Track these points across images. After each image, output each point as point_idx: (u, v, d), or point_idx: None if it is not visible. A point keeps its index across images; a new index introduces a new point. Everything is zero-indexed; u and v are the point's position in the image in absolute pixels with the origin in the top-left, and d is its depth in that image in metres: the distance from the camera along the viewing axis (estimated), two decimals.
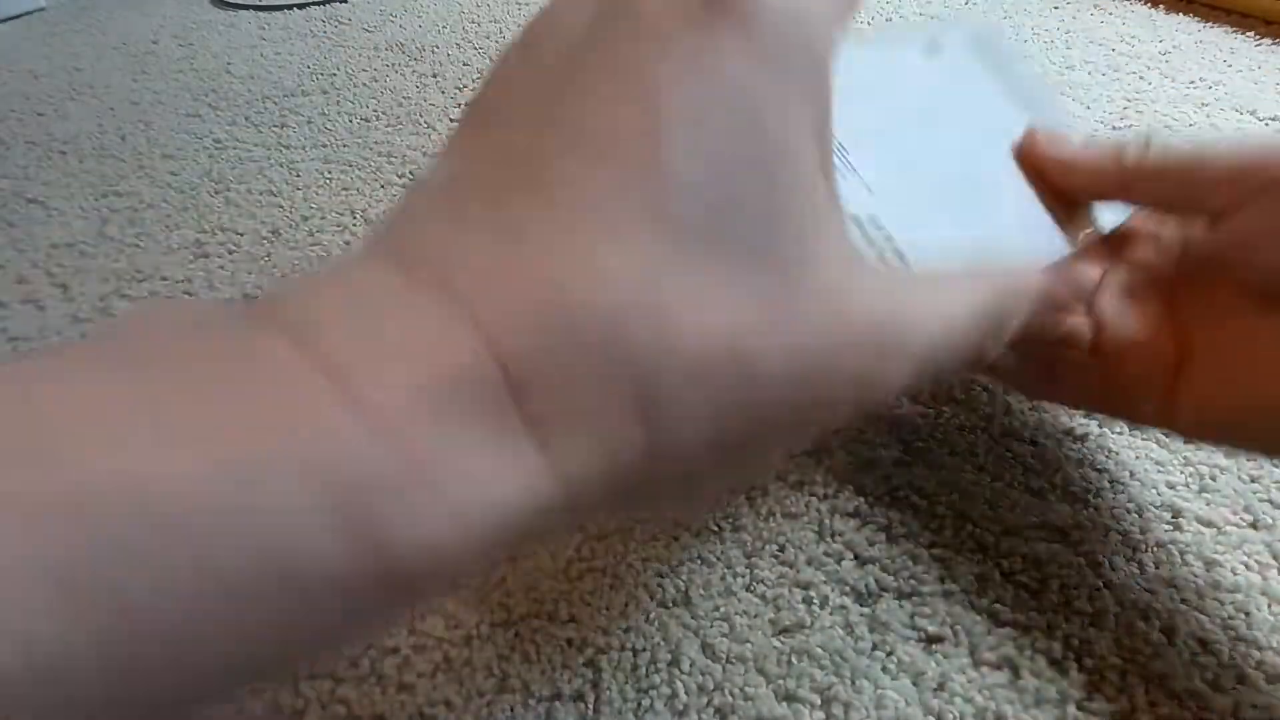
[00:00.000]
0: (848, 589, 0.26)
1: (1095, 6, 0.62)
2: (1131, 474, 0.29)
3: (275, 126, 0.59)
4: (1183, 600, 0.25)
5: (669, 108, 0.12)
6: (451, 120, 0.56)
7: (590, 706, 0.24)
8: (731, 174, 0.13)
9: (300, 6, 0.79)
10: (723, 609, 0.26)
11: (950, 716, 0.23)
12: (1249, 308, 0.23)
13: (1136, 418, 0.26)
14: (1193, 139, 0.24)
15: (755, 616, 0.26)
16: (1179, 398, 0.23)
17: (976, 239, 0.23)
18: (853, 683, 0.24)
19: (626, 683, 0.25)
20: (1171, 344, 0.24)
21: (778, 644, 0.25)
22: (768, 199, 0.13)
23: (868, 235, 0.22)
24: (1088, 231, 0.25)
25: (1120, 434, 0.30)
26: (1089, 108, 0.49)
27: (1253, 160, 0.22)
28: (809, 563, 0.27)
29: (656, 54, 0.12)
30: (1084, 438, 0.30)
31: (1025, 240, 0.24)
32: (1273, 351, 0.22)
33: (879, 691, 0.24)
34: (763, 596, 0.26)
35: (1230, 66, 0.52)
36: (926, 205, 0.24)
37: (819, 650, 0.25)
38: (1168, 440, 0.30)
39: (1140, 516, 0.27)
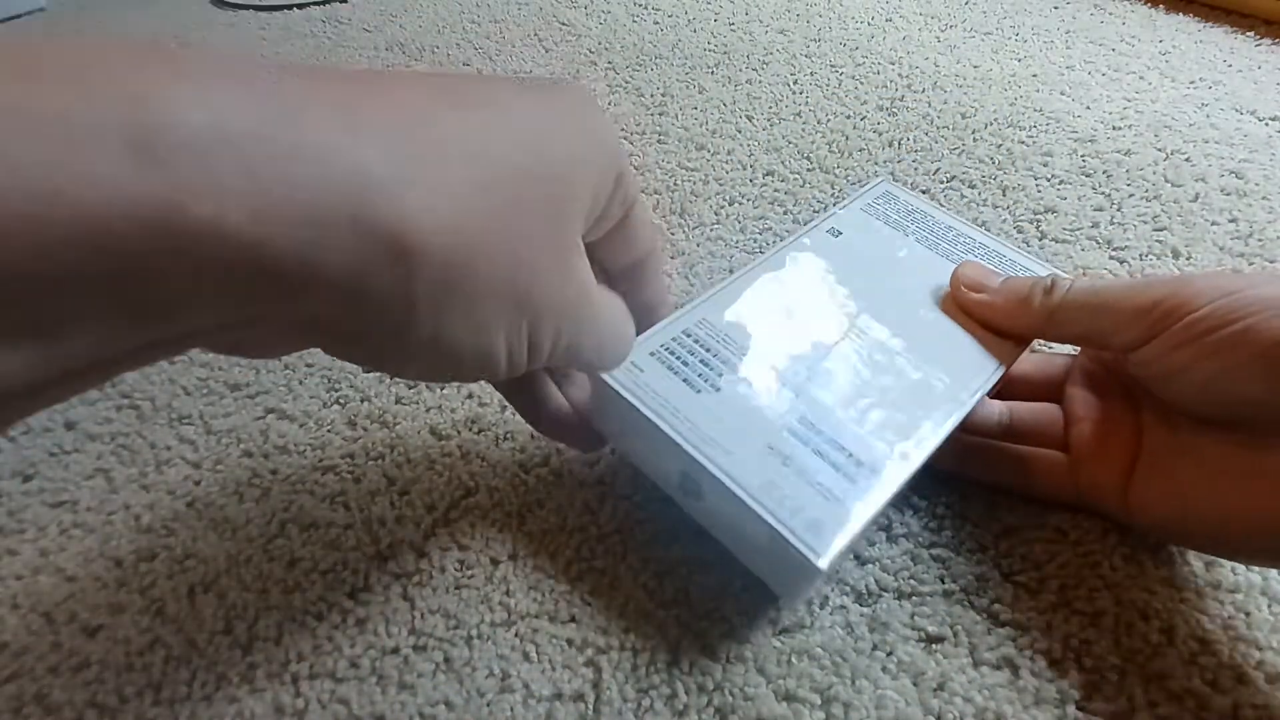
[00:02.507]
0: (848, 589, 0.26)
1: (1095, 6, 0.62)
2: None
3: None
4: (1183, 600, 0.25)
5: (507, 119, 0.17)
6: None
7: (590, 706, 0.24)
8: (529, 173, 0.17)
9: (300, 6, 0.79)
10: (723, 609, 0.26)
11: (950, 716, 0.23)
12: (1187, 422, 0.24)
13: (1104, 514, 0.27)
14: (1101, 280, 0.26)
15: (755, 616, 0.26)
16: (1129, 500, 0.25)
17: (904, 395, 0.26)
18: (853, 683, 0.24)
19: (626, 683, 0.25)
20: (1128, 446, 0.25)
21: (778, 644, 0.25)
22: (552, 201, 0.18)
23: (802, 437, 0.24)
24: (1020, 350, 0.27)
25: None
26: (1089, 108, 0.49)
27: (1152, 300, 0.23)
28: None
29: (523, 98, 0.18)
30: None
31: (956, 376, 0.26)
32: (1200, 469, 0.23)
33: (879, 691, 0.24)
34: (763, 596, 0.26)
35: (1230, 66, 0.52)
36: (846, 394, 0.26)
37: (819, 650, 0.25)
38: None
39: None
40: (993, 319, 0.28)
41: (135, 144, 0.12)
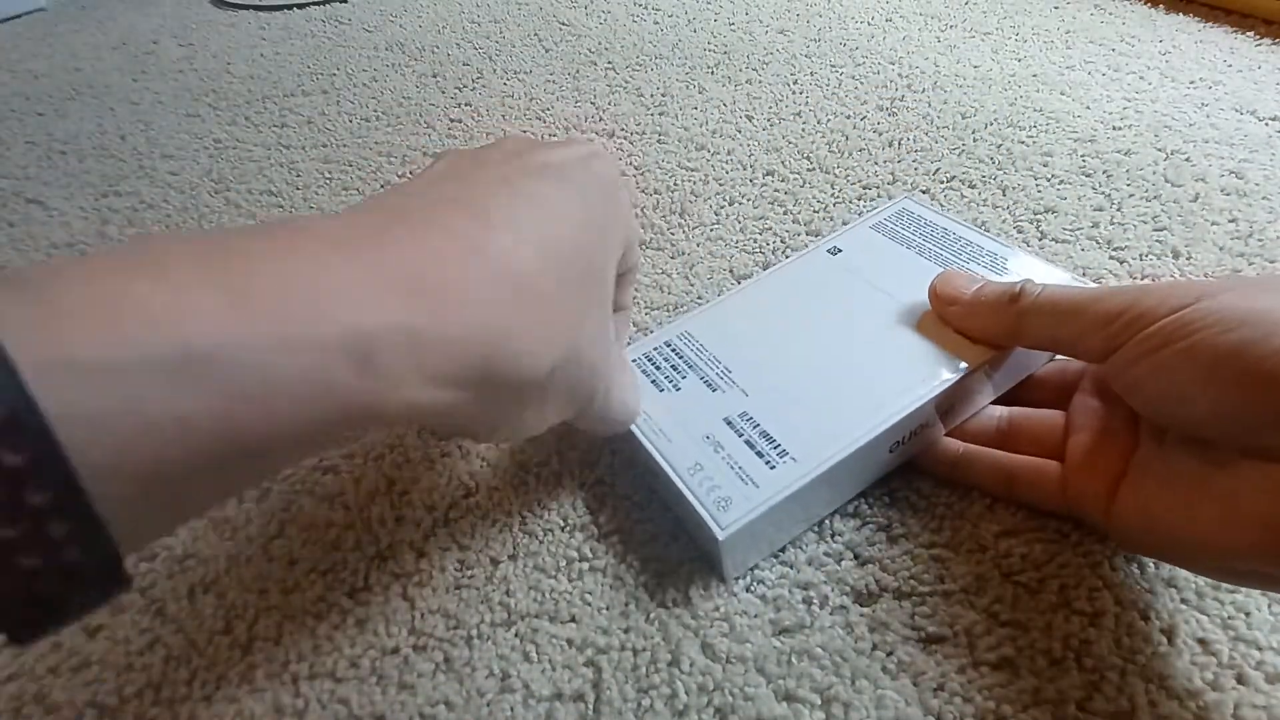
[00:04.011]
0: (848, 589, 0.26)
1: (1095, 6, 0.62)
2: None
3: (275, 126, 0.59)
4: (1183, 600, 0.25)
5: (495, 214, 0.20)
6: (452, 120, 0.56)
7: (590, 706, 0.24)
8: (553, 260, 0.20)
9: (300, 6, 0.79)
10: (723, 609, 0.26)
11: (950, 716, 0.23)
12: (1172, 436, 0.24)
13: (1091, 525, 0.27)
14: (1078, 287, 0.26)
15: (755, 617, 0.26)
16: (1111, 512, 0.24)
17: (858, 390, 0.28)
18: (853, 683, 0.24)
19: (626, 683, 0.25)
20: (1121, 458, 0.25)
21: (778, 644, 0.25)
22: (585, 275, 0.21)
23: (738, 429, 0.27)
24: (988, 355, 0.28)
25: None
26: (1089, 108, 0.49)
27: (1120, 307, 0.23)
28: (809, 563, 0.27)
29: (497, 187, 0.21)
30: None
31: (910, 379, 0.28)
32: (1166, 485, 0.23)
33: (879, 691, 0.24)
34: (763, 597, 0.26)
35: (1230, 66, 0.52)
36: (793, 394, 0.28)
37: (819, 650, 0.25)
38: None
39: None
40: (966, 328, 0.28)
41: (356, 355, 0.16)
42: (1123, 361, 0.23)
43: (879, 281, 0.32)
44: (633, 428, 0.28)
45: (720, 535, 0.24)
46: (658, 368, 0.30)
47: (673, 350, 0.31)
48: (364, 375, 0.16)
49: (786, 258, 0.37)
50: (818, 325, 0.31)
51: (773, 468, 0.26)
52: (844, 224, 0.40)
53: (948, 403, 0.28)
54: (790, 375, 0.29)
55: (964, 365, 0.28)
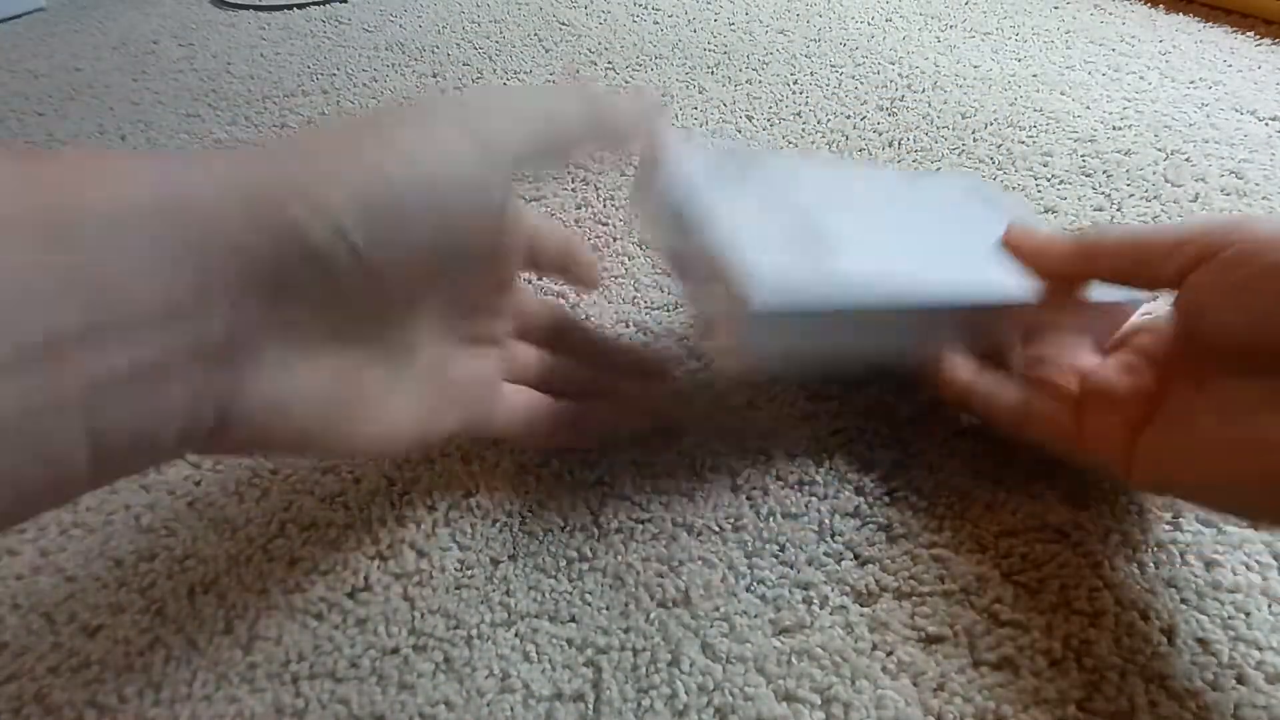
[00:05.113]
0: (848, 589, 0.26)
1: (1095, 6, 0.62)
2: None
3: (275, 126, 0.59)
4: (1183, 600, 0.25)
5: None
6: None
7: (590, 706, 0.24)
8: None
9: (300, 6, 0.79)
10: (723, 609, 0.26)
11: (950, 716, 0.23)
12: (1208, 401, 0.24)
13: (1097, 466, 0.27)
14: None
15: (755, 616, 0.26)
16: (1135, 453, 0.25)
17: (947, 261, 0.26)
18: (853, 683, 0.24)
19: (626, 683, 0.25)
20: (1141, 408, 0.25)
21: (778, 644, 0.25)
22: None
23: (801, 222, 0.24)
24: (1059, 295, 0.27)
25: None
26: (1089, 108, 0.49)
27: (1194, 232, 0.23)
28: (809, 563, 0.27)
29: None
30: None
31: (995, 273, 0.27)
32: (1222, 424, 0.23)
33: (879, 691, 0.24)
34: (763, 597, 0.26)
35: (1230, 66, 0.52)
36: (874, 238, 0.26)
37: (819, 650, 0.25)
38: None
39: (1140, 516, 0.27)
40: (1040, 263, 0.28)
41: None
42: (1200, 282, 0.23)
43: (962, 216, 0.31)
44: (670, 162, 0.24)
45: (754, 304, 0.21)
46: (723, 160, 0.26)
47: (742, 158, 0.27)
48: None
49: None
50: (908, 207, 0.29)
51: (825, 271, 0.23)
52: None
53: (1013, 323, 0.27)
54: (869, 224, 0.26)
55: (1036, 291, 0.27)
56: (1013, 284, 0.27)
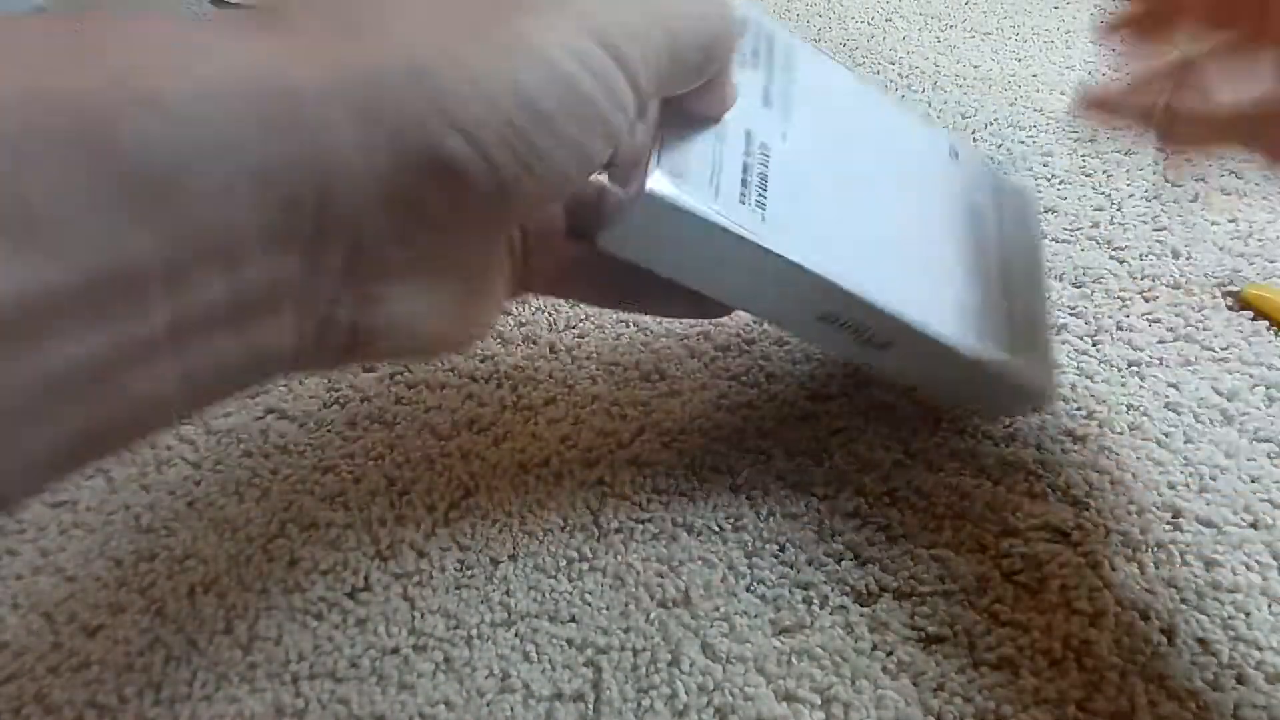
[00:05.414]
0: (848, 589, 0.26)
1: (1095, 6, 0.62)
2: (1132, 475, 0.29)
3: None
4: (1183, 600, 0.25)
5: None
6: None
7: (590, 706, 0.24)
8: None
9: None
10: (723, 609, 0.26)
11: (950, 716, 0.23)
12: None
13: None
14: None
15: (755, 617, 0.26)
16: None
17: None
18: (853, 683, 0.24)
19: (626, 683, 0.25)
20: None
21: (778, 644, 0.25)
22: None
23: (749, 150, 0.23)
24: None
25: (1120, 434, 0.30)
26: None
27: None
28: (809, 563, 0.27)
29: None
30: (1084, 439, 0.30)
31: (943, 301, 0.26)
32: None
33: (879, 691, 0.24)
34: (763, 597, 0.26)
35: None
36: (826, 188, 0.25)
37: (819, 650, 0.25)
38: (1167, 440, 0.30)
39: (1140, 516, 0.27)
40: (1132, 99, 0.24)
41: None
42: None
43: (978, 208, 0.29)
44: None
45: (650, 185, 0.20)
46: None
47: (763, 38, 0.26)
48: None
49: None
50: (896, 181, 0.27)
51: (743, 204, 0.22)
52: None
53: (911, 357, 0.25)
54: (831, 170, 0.25)
55: (997, 357, 0.26)
56: (948, 328, 0.25)
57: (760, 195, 0.23)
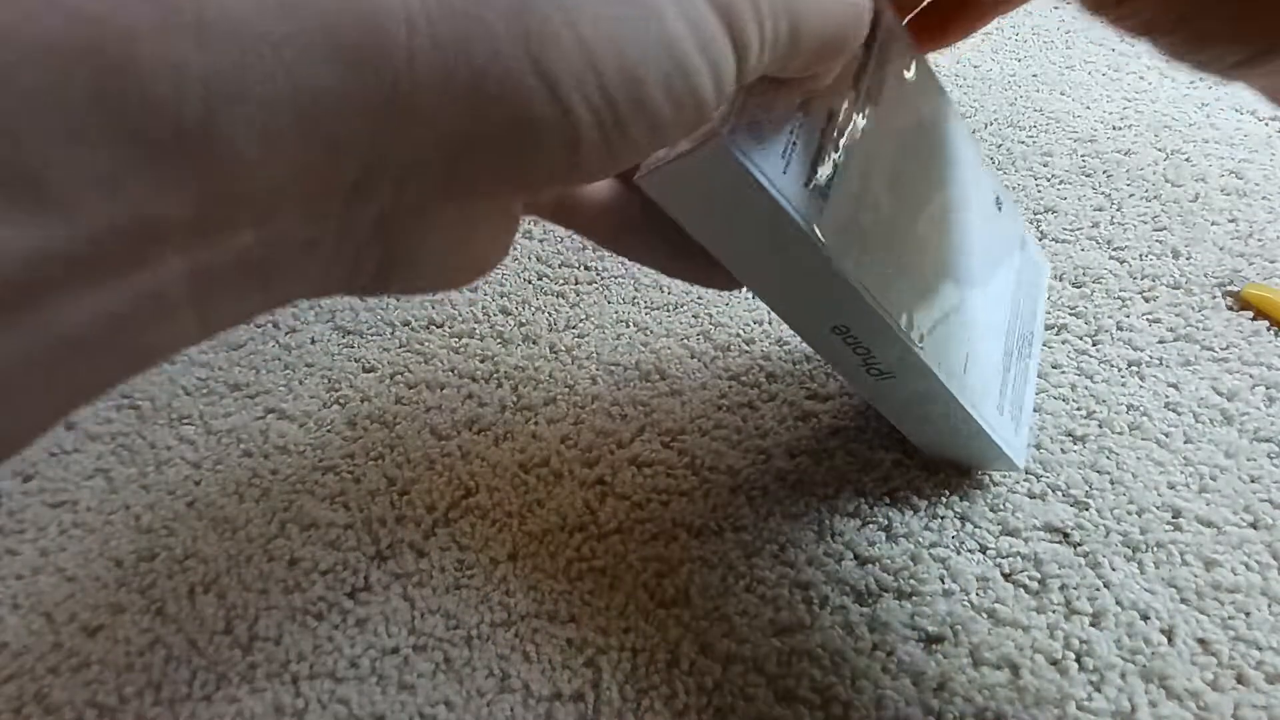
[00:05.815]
0: (848, 589, 0.26)
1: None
2: (1132, 475, 0.29)
3: None
4: (1183, 600, 0.25)
5: None
6: None
7: (590, 706, 0.24)
8: None
9: None
10: (722, 609, 0.26)
11: (950, 716, 0.23)
12: None
13: None
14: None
15: (755, 616, 0.26)
16: None
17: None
18: (853, 683, 0.24)
19: (626, 683, 0.25)
20: None
21: (778, 644, 0.25)
22: None
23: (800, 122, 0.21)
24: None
25: (1120, 434, 0.30)
26: (1089, 108, 0.49)
27: None
28: (809, 563, 0.27)
29: None
30: (1084, 439, 0.30)
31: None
32: None
33: (879, 691, 0.24)
34: (762, 596, 0.26)
35: None
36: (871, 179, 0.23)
37: (819, 650, 0.25)
38: (1167, 440, 0.30)
39: (1140, 516, 0.27)
40: None
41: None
42: None
43: (1008, 266, 0.30)
44: None
45: (727, 138, 0.18)
46: None
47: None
48: None
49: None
50: (944, 212, 0.26)
51: (807, 188, 0.20)
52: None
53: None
54: (892, 177, 0.23)
55: (991, 415, 0.26)
56: (955, 380, 0.25)
57: (826, 186, 0.21)
